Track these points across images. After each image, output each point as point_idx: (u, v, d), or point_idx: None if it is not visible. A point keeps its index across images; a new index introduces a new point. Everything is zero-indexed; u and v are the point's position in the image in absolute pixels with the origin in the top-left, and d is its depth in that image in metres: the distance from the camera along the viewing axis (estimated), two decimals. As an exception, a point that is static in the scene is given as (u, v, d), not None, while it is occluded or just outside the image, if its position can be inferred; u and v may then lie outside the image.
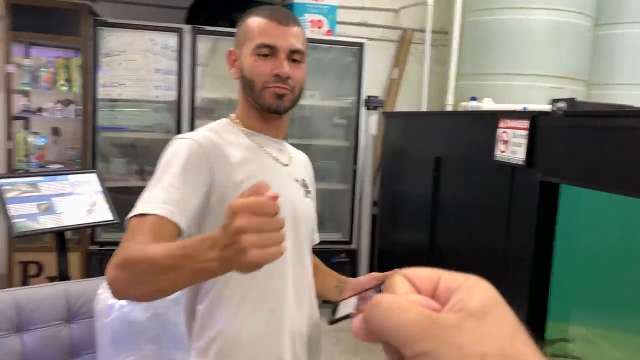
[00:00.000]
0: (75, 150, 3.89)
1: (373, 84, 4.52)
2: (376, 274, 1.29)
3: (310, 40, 3.94)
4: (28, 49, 3.79)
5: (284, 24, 1.16)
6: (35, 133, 3.81)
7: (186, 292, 1.16)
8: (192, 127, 3.60)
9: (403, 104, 4.85)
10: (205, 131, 1.17)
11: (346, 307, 0.74)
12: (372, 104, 4.17)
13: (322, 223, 4.37)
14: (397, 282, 0.35)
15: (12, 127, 3.63)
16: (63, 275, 2.21)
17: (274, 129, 1.24)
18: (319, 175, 4.75)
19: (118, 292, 0.89)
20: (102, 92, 3.65)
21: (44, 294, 1.99)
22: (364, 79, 4.06)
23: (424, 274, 0.35)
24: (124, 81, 3.75)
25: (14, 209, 2.15)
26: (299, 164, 1.33)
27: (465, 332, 0.30)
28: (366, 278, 1.29)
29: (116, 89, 3.75)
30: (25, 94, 3.80)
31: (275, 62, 1.15)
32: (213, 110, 3.88)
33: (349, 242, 4.21)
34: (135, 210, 0.98)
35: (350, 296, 0.72)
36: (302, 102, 4.13)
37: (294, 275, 1.20)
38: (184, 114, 3.70)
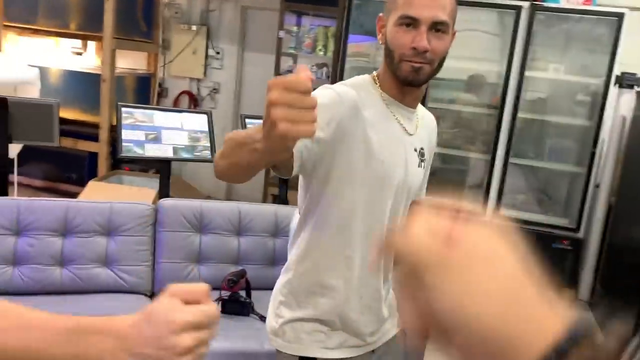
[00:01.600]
0: (324, 107, 4.48)
1: (637, 60, 3.99)
2: None
3: (559, 10, 3.73)
4: (297, 18, 4.47)
5: None
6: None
7: (300, 221, 1.33)
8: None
9: (677, 86, 4.16)
10: (347, 86, 1.24)
11: None
12: (627, 81, 3.72)
13: (548, 205, 4.15)
14: (423, 211, 0.37)
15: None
16: (283, 199, 2.70)
17: (409, 98, 1.28)
18: (551, 153, 4.38)
19: (215, 165, 1.09)
20: (349, 60, 4.10)
21: (259, 209, 2.51)
22: (618, 54, 3.64)
23: (449, 204, 0.37)
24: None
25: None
26: (425, 129, 1.37)
27: (473, 272, 0.32)
28: None
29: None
30: (292, 56, 4.53)
31: (416, 35, 1.16)
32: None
33: (576, 230, 3.90)
34: None
35: None
36: (543, 75, 3.92)
37: None
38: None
